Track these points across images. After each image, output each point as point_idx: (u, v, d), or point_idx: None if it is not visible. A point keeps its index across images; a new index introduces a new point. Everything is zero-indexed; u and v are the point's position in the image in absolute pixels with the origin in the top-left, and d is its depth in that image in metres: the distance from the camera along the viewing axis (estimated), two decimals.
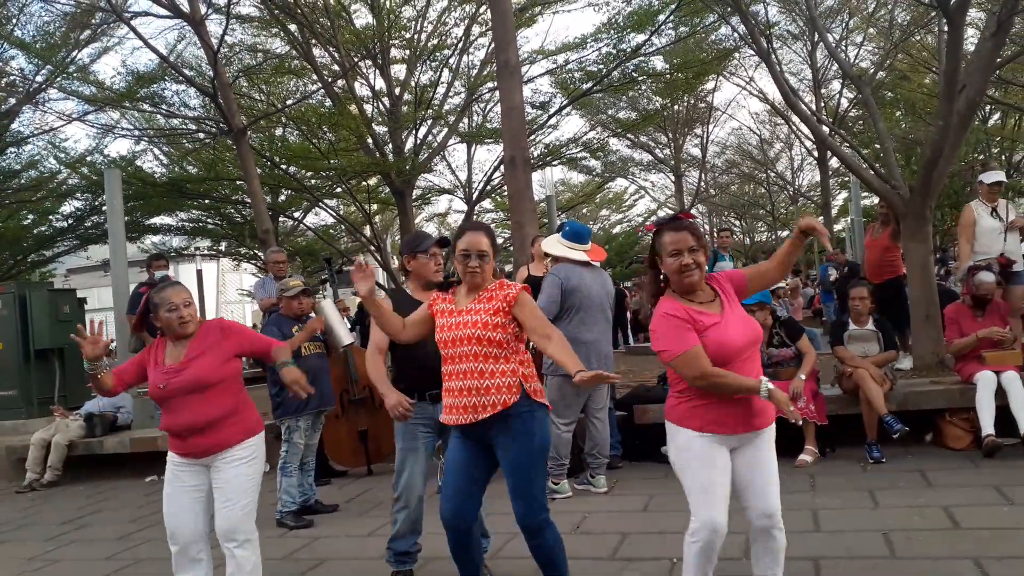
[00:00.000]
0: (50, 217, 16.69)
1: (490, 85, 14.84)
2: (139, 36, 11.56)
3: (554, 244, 5.56)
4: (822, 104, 19.98)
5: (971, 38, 11.42)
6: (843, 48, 17.88)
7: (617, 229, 31.80)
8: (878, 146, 11.43)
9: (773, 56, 8.14)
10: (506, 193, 12.59)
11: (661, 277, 2.89)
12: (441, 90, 15.28)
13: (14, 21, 13.90)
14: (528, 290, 3.25)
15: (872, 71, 15.41)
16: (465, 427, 3.16)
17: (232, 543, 3.34)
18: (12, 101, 14.36)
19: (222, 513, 3.35)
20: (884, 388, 5.62)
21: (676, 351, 2.73)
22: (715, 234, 29.25)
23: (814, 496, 4.79)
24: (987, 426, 5.36)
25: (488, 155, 60.40)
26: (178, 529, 3.39)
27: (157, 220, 17.44)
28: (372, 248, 15.92)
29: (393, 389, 3.67)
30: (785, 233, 31.38)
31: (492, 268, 3.29)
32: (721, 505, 2.79)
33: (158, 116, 15.14)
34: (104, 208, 13.86)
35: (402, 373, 3.84)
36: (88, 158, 15.84)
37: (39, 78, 13.53)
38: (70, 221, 16.42)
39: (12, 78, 14.31)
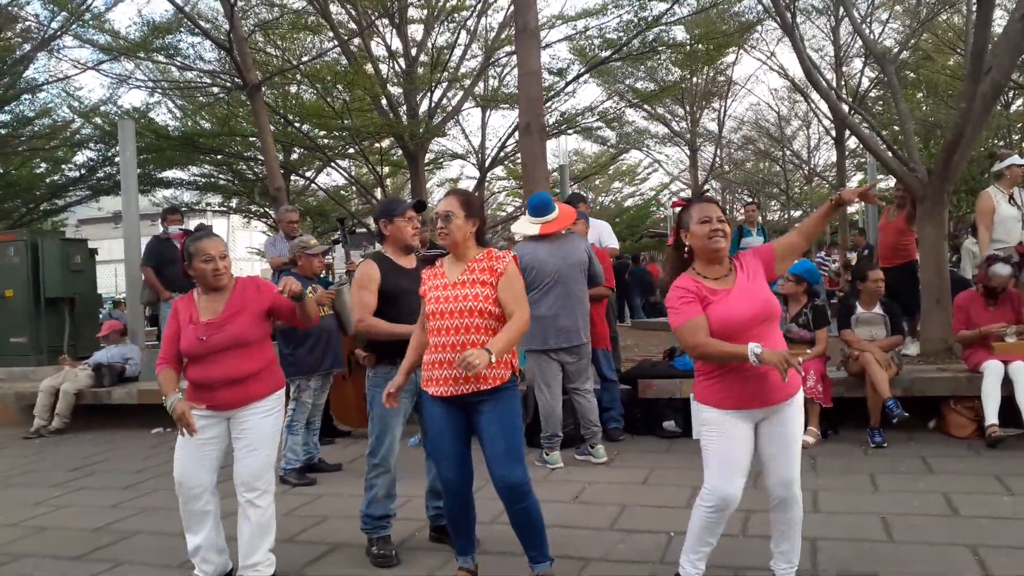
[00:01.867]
0: (63, 166, 16.74)
1: (507, 49, 14.68)
2: None
3: (520, 222, 5.48)
4: (843, 82, 19.66)
5: (1000, 19, 11.22)
6: (868, 25, 17.56)
7: (629, 202, 31.67)
8: (897, 127, 11.31)
9: (796, 30, 8.00)
10: (519, 160, 12.51)
11: (686, 251, 2.95)
12: (458, 52, 15.14)
13: None
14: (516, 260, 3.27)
15: (896, 50, 15.13)
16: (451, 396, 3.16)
17: (253, 492, 3.38)
18: (27, 47, 14.29)
19: (244, 462, 3.38)
20: (889, 373, 5.62)
21: (677, 322, 2.84)
22: (738, 209, 29.08)
23: (815, 477, 4.81)
24: (991, 416, 5.34)
25: (503, 121, 59.99)
26: (186, 479, 3.42)
27: (169, 174, 17.47)
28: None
29: (407, 326, 3.59)
30: (798, 213, 31.17)
31: (467, 229, 3.23)
32: (736, 479, 2.86)
33: (172, 68, 15.06)
34: (117, 159, 13.87)
35: (387, 339, 3.77)
36: (102, 108, 15.83)
37: (54, 25, 13.46)
38: (83, 171, 16.46)
39: (27, 24, 14.23)
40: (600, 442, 5.51)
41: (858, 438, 5.63)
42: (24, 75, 14.83)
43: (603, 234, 7.14)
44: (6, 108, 15.17)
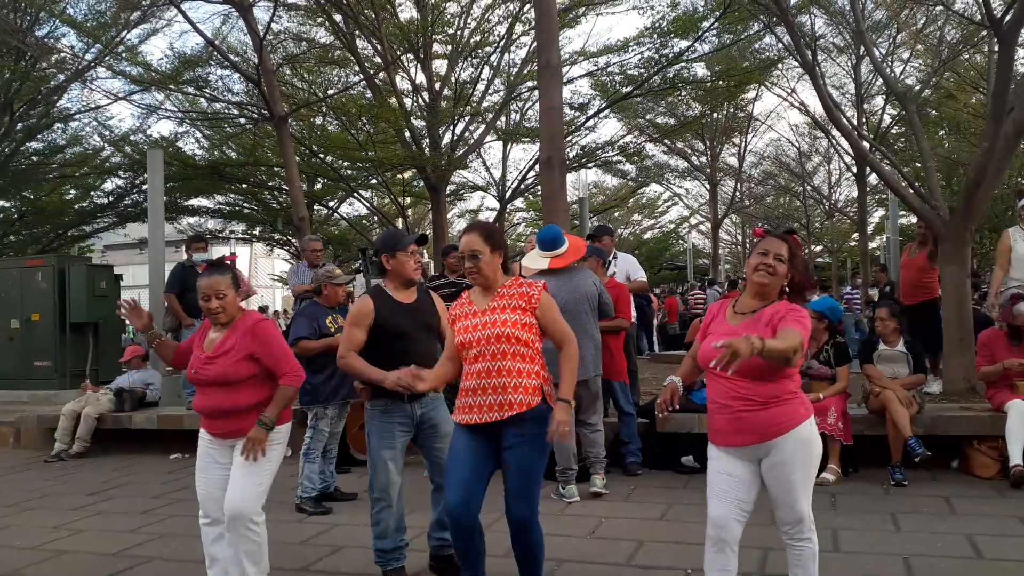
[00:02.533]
0: (91, 193, 17.07)
1: (529, 84, 14.88)
2: (188, 19, 11.77)
3: (530, 256, 5.46)
4: (864, 119, 19.68)
5: (1022, 59, 11.22)
6: (889, 63, 17.61)
7: (648, 235, 31.69)
8: (919, 165, 11.27)
9: (817, 68, 8.06)
10: (539, 193, 12.60)
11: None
12: (481, 87, 15.37)
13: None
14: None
15: (918, 88, 15.16)
16: (478, 424, 3.17)
17: (237, 521, 3.37)
18: (61, 78, 14.70)
19: (232, 490, 3.39)
20: (911, 411, 5.55)
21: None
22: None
23: (835, 516, 4.74)
24: (1016, 456, 5.26)
25: (523, 154, 60.49)
26: (208, 502, 3.51)
27: (195, 202, 17.76)
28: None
29: (383, 371, 3.52)
30: (819, 248, 31.01)
31: (495, 264, 3.25)
32: (718, 502, 2.85)
33: (201, 99, 15.37)
34: (144, 187, 14.14)
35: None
36: (131, 137, 16.18)
37: (88, 56, 13.83)
38: (110, 198, 16.79)
39: (63, 55, 14.64)
40: (597, 473, 5.45)
41: (879, 476, 5.56)
42: (57, 104, 15.23)
43: (631, 268, 7.14)
44: (39, 136, 15.55)
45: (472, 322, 3.21)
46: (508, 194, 17.13)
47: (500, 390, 3.13)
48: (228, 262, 3.61)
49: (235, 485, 3.39)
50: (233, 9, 12.02)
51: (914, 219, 8.29)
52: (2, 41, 13.79)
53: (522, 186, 16.91)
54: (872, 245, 22.04)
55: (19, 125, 14.74)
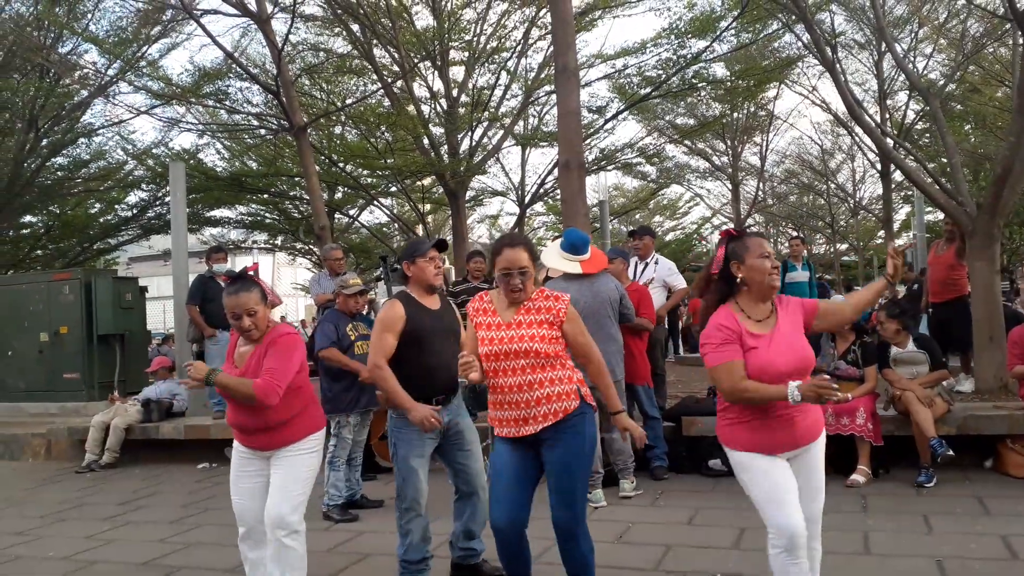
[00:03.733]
0: (115, 206, 17.29)
1: (547, 88, 14.86)
2: (207, 33, 11.90)
3: (553, 256, 5.39)
4: (887, 116, 19.44)
5: None
6: (911, 59, 17.40)
7: (670, 236, 31.51)
8: (945, 160, 11.11)
9: (838, 66, 7.97)
10: (558, 197, 12.57)
11: (740, 282, 2.84)
12: (498, 92, 15.36)
13: (89, 17, 14.48)
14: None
15: (942, 83, 14.94)
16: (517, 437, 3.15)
17: (280, 531, 3.35)
18: (84, 94, 14.92)
19: (274, 499, 3.37)
20: (936, 411, 5.45)
21: (714, 362, 2.77)
22: (783, 243, 28.69)
23: (866, 518, 4.67)
24: None
25: (542, 158, 60.42)
26: (244, 512, 3.51)
27: (217, 213, 17.93)
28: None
29: (415, 403, 3.60)
30: (844, 246, 30.65)
31: (533, 280, 3.25)
32: (789, 508, 2.75)
33: (221, 111, 15.53)
34: (167, 199, 14.31)
35: (408, 379, 3.70)
36: (153, 150, 16.38)
37: (110, 72, 14.04)
38: (134, 211, 17.00)
39: (85, 71, 14.87)
40: (626, 478, 5.45)
41: (910, 478, 5.46)
42: (81, 120, 15.46)
43: (668, 274, 7.07)
44: (64, 152, 15.79)
45: (497, 334, 3.16)
46: (527, 199, 17.12)
47: (533, 403, 3.10)
48: (250, 272, 3.56)
49: (275, 495, 3.38)
50: (252, 22, 12.13)
51: (941, 215, 8.16)
52: (27, 59, 14.02)
53: (541, 190, 16.88)
54: (898, 242, 21.74)
55: (44, 141, 14.98)
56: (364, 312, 5.88)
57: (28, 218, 16.83)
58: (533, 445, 3.16)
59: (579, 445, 3.12)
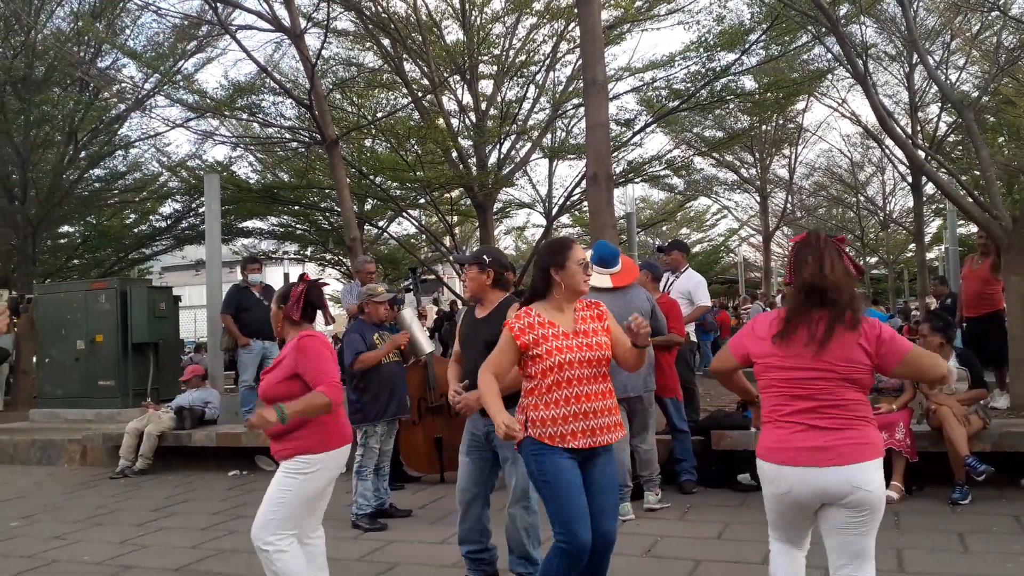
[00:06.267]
0: (150, 217, 17.61)
1: (575, 101, 14.90)
2: (243, 48, 12.13)
3: None
4: (919, 128, 19.21)
5: None
6: (944, 70, 17.21)
7: (697, 248, 31.36)
8: (977, 173, 10.97)
9: (869, 78, 7.92)
10: (586, 209, 12.59)
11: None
12: (526, 105, 15.44)
13: (127, 32, 14.84)
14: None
15: (975, 95, 14.75)
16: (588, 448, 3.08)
17: (256, 543, 3.31)
18: (122, 107, 15.26)
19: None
20: (970, 428, 5.36)
21: (728, 345, 2.86)
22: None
23: (899, 535, 4.62)
24: None
25: (569, 170, 60.43)
26: None
27: (249, 224, 18.18)
28: (450, 258, 16.20)
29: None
30: (874, 259, 30.28)
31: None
32: (784, 533, 2.79)
33: (255, 125, 15.77)
34: (201, 210, 14.55)
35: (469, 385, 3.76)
36: (188, 162, 16.67)
37: (147, 86, 14.34)
38: (168, 221, 17.29)
39: (123, 86, 15.21)
40: (651, 490, 5.46)
41: (943, 494, 5.38)
42: (118, 133, 15.80)
43: (693, 288, 6.98)
44: (102, 164, 16.13)
45: (566, 343, 3.07)
46: (555, 211, 17.14)
47: (605, 412, 3.09)
48: (306, 282, 3.62)
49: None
50: (285, 37, 12.33)
51: (973, 228, 8.06)
52: (67, 73, 14.37)
53: (568, 202, 16.89)
54: (930, 256, 21.43)
55: (83, 153, 15.31)
56: (391, 323, 5.88)
57: (66, 228, 17.18)
58: (577, 456, 3.07)
59: (616, 464, 3.23)
